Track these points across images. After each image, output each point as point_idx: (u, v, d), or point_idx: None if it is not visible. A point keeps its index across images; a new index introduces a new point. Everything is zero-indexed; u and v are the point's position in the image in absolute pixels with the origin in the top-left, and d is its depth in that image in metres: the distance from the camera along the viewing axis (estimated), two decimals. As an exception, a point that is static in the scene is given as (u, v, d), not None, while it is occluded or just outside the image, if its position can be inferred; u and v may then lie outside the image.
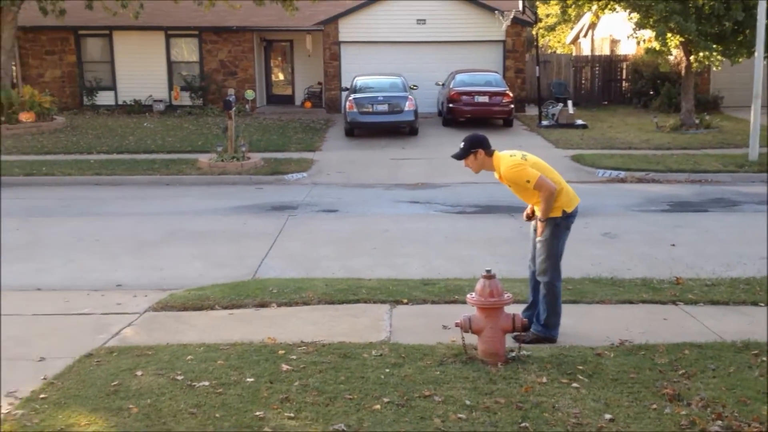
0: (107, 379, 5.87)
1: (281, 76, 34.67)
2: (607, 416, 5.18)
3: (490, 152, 6.69)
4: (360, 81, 24.73)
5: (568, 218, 6.73)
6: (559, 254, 6.79)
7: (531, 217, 6.95)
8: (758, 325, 7.19)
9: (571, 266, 8.57)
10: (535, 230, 6.82)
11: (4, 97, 23.54)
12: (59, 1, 25.15)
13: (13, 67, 28.33)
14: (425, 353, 6.35)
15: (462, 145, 6.71)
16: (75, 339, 7.03)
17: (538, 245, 6.78)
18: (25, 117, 23.68)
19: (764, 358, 6.23)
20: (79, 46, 30.51)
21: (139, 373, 5.97)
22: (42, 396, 5.62)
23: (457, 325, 6.25)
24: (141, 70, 30.20)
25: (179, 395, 5.54)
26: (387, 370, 5.96)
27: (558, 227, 6.69)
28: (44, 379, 5.99)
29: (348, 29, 29.32)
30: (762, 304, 7.88)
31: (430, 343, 6.65)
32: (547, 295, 6.79)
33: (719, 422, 5.07)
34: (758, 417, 5.14)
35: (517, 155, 6.66)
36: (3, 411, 5.37)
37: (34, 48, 30.37)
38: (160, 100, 29.87)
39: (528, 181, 6.51)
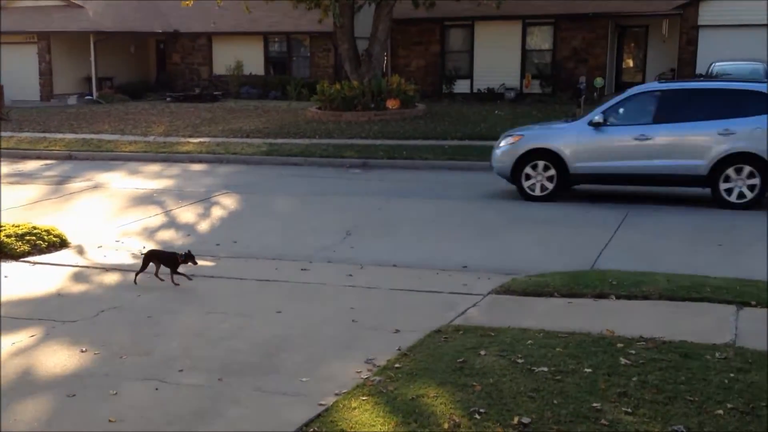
0: (454, 355, 6.28)
1: (631, 63, 33.81)
2: None
3: None
4: (718, 67, 23.30)
5: None
6: None
7: None
8: None
9: None
10: None
11: (375, 85, 25.55)
12: None
13: (385, 58, 30.59)
14: (776, 361, 6.01)
15: None
16: (425, 315, 7.55)
17: None
18: (391, 104, 25.50)
19: None
20: (444, 36, 32.16)
21: (482, 352, 6.31)
22: (396, 366, 6.15)
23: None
24: (496, 59, 31.13)
25: (519, 378, 5.79)
26: (731, 375, 5.73)
27: None
28: (398, 350, 6.54)
29: (709, 13, 27.77)
30: None
31: (781, 351, 6.27)
32: None
33: None
34: None
35: None
36: (363, 376, 5.99)
37: (404, 39, 32.56)
38: (512, 89, 30.59)
39: None
